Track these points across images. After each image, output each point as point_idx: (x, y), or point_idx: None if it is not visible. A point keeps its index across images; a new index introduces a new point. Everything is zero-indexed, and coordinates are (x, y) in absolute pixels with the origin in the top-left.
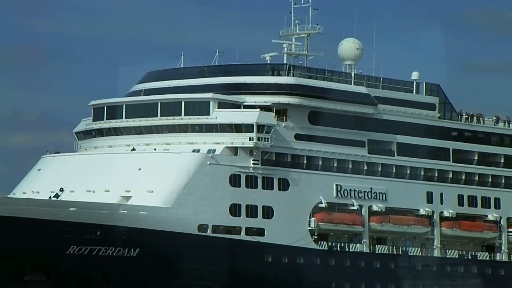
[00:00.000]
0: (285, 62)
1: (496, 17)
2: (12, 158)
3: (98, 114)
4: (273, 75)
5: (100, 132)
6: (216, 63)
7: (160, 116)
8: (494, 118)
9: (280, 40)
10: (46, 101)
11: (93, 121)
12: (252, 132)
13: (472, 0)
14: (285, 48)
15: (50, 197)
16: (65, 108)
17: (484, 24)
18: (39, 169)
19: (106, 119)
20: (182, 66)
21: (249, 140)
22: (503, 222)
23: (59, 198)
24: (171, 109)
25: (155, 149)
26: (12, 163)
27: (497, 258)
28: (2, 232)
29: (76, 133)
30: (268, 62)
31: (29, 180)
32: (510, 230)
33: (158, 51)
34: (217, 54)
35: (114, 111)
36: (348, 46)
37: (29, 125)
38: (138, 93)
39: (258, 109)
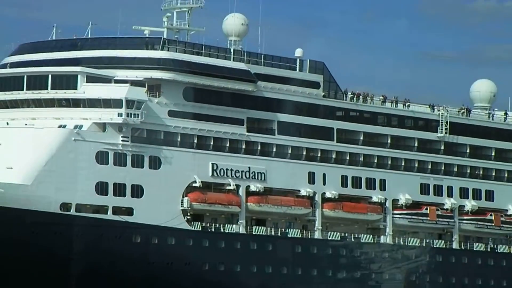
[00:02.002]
0: (165, 36)
1: None
2: None
3: None
4: (147, 49)
5: None
6: (89, 36)
7: (26, 90)
8: (381, 97)
9: (162, 14)
10: None
11: None
12: (121, 107)
13: None
14: (165, 22)
15: None
16: None
17: None
18: None
19: None
20: (54, 38)
21: (118, 116)
22: (388, 204)
23: None
24: (37, 82)
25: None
26: None
27: (382, 241)
28: None
29: None
30: (147, 36)
31: None
32: (395, 212)
33: (32, 24)
34: (90, 26)
35: None
36: (233, 21)
37: None
38: (5, 66)
39: (129, 84)
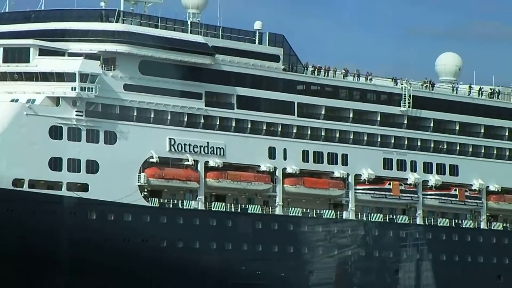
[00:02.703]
0: (122, 8)
1: None
2: None
3: None
4: (102, 21)
5: None
6: (43, 8)
7: None
8: (343, 71)
9: None
10: None
11: None
12: (75, 81)
13: None
14: None
15: None
16: None
17: None
18: None
19: None
20: (7, 10)
21: (72, 90)
22: (351, 179)
23: None
24: None
25: None
26: None
27: (344, 216)
28: None
29: None
30: (103, 8)
31: None
32: (358, 187)
33: None
34: (42, 1)
35: None
36: None
37: None
38: None
39: (83, 57)
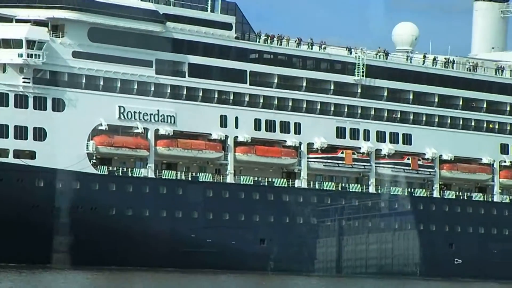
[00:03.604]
0: None
1: None
2: None
3: None
4: None
5: None
6: None
7: None
8: (297, 40)
9: None
10: None
11: None
12: (22, 48)
13: None
14: None
15: None
16: None
17: None
18: None
19: None
20: None
21: (18, 56)
22: (303, 148)
23: None
24: None
25: None
26: None
27: (296, 185)
28: None
29: None
30: None
31: None
32: (310, 156)
33: None
34: None
35: None
36: None
37: None
38: None
39: (30, 24)
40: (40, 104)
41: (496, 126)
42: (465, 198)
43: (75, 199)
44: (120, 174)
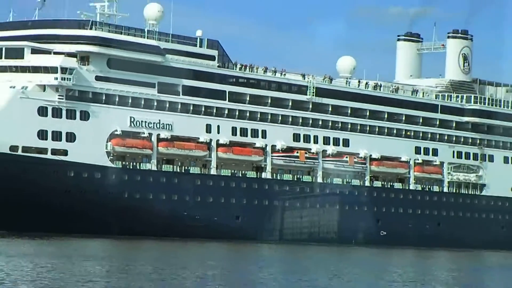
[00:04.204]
0: (98, 19)
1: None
2: None
3: None
4: (80, 29)
5: None
6: (37, 18)
7: None
8: (264, 68)
9: (96, 1)
10: None
11: None
12: (57, 73)
13: None
14: (98, 9)
15: None
16: None
17: None
18: None
19: None
20: (11, 20)
21: (55, 79)
22: (268, 149)
23: None
24: None
25: None
26: None
27: (263, 176)
28: None
29: None
30: (82, 19)
31: None
32: (273, 155)
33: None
34: (37, 12)
35: None
36: (151, 9)
37: None
38: None
39: (63, 55)
40: (70, 115)
41: (412, 134)
42: (389, 186)
43: (97, 186)
44: (131, 167)
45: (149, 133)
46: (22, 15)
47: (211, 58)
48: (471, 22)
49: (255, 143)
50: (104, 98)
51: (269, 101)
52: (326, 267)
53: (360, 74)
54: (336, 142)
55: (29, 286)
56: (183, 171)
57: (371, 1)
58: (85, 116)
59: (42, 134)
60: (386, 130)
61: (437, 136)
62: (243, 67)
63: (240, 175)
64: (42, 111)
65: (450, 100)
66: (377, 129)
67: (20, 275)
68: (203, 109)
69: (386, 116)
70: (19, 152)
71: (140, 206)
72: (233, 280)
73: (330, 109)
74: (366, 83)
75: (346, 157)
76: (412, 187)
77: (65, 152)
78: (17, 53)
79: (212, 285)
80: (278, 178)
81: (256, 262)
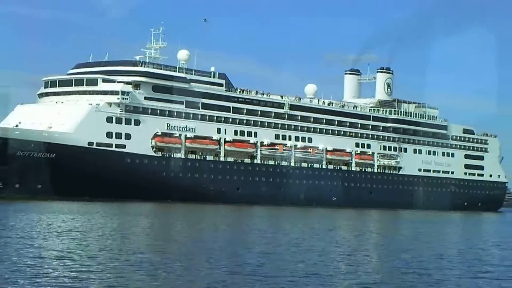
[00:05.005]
0: (147, 60)
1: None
2: None
3: (47, 84)
4: (134, 66)
5: (47, 94)
6: (107, 59)
7: (74, 86)
8: (255, 91)
9: (146, 49)
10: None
11: (44, 87)
12: (119, 95)
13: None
14: (147, 53)
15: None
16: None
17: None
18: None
19: (45, 87)
20: (90, 61)
21: (117, 99)
22: (259, 144)
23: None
24: (78, 82)
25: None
26: None
27: (255, 162)
28: None
29: (39, 94)
30: (137, 59)
31: (15, 115)
32: (262, 148)
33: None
34: (107, 55)
35: (54, 83)
36: (182, 53)
37: None
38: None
39: (122, 83)
40: (127, 122)
41: (353, 134)
42: (338, 168)
43: (144, 168)
44: (167, 156)
45: (179, 134)
46: (99, 56)
47: (220, 85)
48: (392, 61)
49: (249, 140)
50: (149, 111)
51: (259, 113)
52: (295, 221)
53: (320, 95)
54: (303, 139)
55: (103, 228)
56: (202, 158)
57: (332, 49)
58: (137, 122)
59: (109, 134)
60: (336, 132)
61: (370, 136)
62: (242, 90)
63: (240, 161)
64: (109, 120)
65: (378, 112)
66: (330, 131)
67: (94, 222)
68: (215, 118)
69: (336, 122)
70: (94, 146)
71: (173, 181)
72: (236, 228)
73: (299, 118)
74: (323, 101)
75: (310, 150)
76: (353, 169)
77: (124, 146)
78: (93, 82)
79: (222, 230)
80: (265, 163)
81: (251, 218)
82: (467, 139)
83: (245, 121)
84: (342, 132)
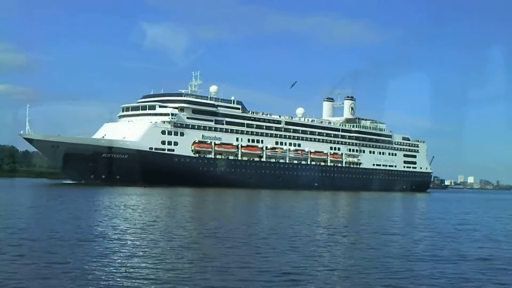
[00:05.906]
0: (189, 91)
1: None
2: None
3: (123, 109)
4: (179, 96)
5: (123, 116)
6: (162, 91)
7: (140, 110)
8: (262, 113)
9: (189, 84)
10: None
11: (122, 111)
12: (169, 115)
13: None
14: (189, 87)
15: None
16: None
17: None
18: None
19: (122, 111)
20: (151, 93)
21: (168, 118)
22: (264, 148)
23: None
24: (144, 107)
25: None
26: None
27: (262, 160)
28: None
29: (118, 116)
30: (183, 92)
31: (103, 130)
32: (266, 150)
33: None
34: (162, 90)
35: (127, 108)
36: (212, 88)
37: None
38: (137, 104)
39: (171, 108)
40: (176, 133)
41: (329, 141)
42: (318, 164)
43: (187, 165)
44: (202, 156)
45: (210, 141)
46: (159, 90)
47: (238, 108)
48: (355, 92)
49: (258, 145)
50: (190, 126)
51: (264, 127)
52: (287, 200)
53: (306, 115)
54: (295, 145)
55: (153, 208)
56: (225, 158)
57: (315, 83)
58: (182, 134)
59: (163, 142)
60: (317, 139)
61: (340, 142)
62: (252, 112)
63: (251, 159)
64: (163, 132)
65: (346, 126)
66: (313, 139)
67: (149, 203)
68: (234, 131)
69: (317, 133)
70: (153, 150)
71: (206, 173)
72: (252, 203)
73: (292, 130)
74: (308, 119)
75: (299, 152)
76: (329, 164)
77: (173, 150)
78: (153, 107)
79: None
80: (269, 161)
81: (260, 198)
82: (405, 144)
83: (255, 133)
84: (321, 140)
